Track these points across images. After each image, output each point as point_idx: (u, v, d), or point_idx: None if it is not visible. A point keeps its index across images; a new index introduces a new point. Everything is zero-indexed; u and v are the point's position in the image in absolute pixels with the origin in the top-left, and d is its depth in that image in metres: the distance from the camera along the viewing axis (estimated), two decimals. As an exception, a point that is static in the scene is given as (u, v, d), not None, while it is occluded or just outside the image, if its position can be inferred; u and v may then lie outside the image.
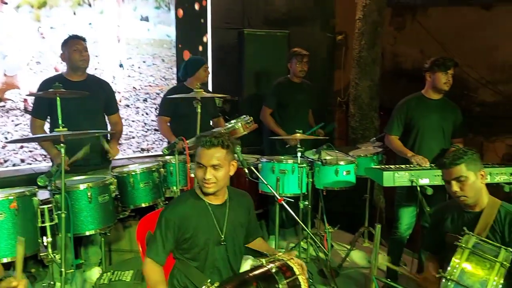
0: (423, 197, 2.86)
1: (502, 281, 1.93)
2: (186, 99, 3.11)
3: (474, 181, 2.21)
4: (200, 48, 4.81)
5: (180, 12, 4.65)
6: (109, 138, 3.38)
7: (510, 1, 5.30)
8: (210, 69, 4.78)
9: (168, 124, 3.86)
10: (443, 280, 1.94)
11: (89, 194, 2.69)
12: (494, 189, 2.32)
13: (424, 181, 2.87)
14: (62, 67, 3.63)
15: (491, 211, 2.20)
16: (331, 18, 5.63)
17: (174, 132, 3.70)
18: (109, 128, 3.47)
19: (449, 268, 1.97)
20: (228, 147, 2.08)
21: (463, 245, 2.04)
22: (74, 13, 4.04)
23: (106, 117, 3.45)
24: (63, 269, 2.51)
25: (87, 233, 2.77)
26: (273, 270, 1.96)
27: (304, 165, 3.53)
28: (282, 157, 3.72)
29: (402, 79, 6.32)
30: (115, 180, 2.94)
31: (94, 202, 2.72)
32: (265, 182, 3.15)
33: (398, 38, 6.74)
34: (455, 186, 2.23)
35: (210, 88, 4.80)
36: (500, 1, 5.36)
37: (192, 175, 3.11)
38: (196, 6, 4.75)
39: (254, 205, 3.89)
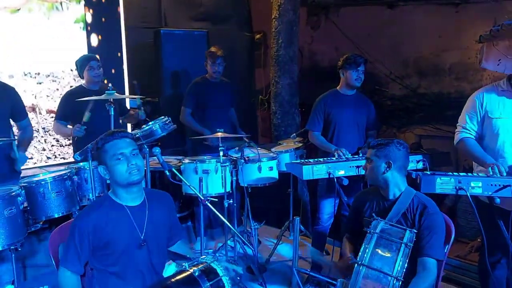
0: (340, 187, 2.99)
1: (407, 260, 2.08)
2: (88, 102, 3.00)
3: (377, 167, 2.35)
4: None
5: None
6: (17, 145, 3.14)
7: (411, 0, 5.70)
8: (125, 70, 4.63)
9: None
10: (355, 266, 2.05)
11: (-8, 208, 2.48)
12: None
13: (340, 173, 3.00)
14: None
15: (405, 200, 2.34)
16: (248, 17, 5.69)
17: (79, 138, 3.52)
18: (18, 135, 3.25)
19: (360, 254, 2.08)
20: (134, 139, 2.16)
21: (372, 230, 2.17)
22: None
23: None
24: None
25: (-6, 251, 2.56)
26: (196, 274, 1.97)
27: (227, 163, 3.54)
28: (205, 157, 3.70)
29: (320, 76, 6.55)
30: (23, 191, 2.73)
31: None
32: (188, 184, 3.12)
33: (314, 37, 6.97)
34: (364, 164, 2.47)
35: (126, 88, 4.63)
36: (402, 0, 5.75)
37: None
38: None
39: (179, 207, 3.87)
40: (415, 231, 2.17)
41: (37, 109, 4.07)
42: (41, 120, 4.11)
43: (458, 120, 2.84)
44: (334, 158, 3.19)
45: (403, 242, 2.09)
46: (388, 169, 2.34)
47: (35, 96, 4.05)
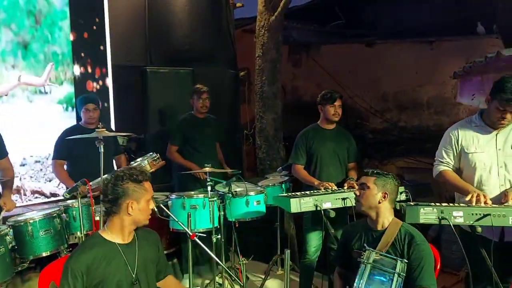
0: (327, 219, 3.04)
1: None
2: (82, 140, 3.02)
3: (374, 195, 2.41)
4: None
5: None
6: (0, 188, 3.12)
7: (388, 39, 5.99)
8: (111, 108, 4.67)
9: (65, 167, 3.71)
10: None
11: (-20, 247, 2.44)
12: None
13: (327, 205, 3.05)
14: None
15: (392, 230, 2.39)
16: (233, 55, 5.85)
17: (72, 175, 3.52)
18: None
19: (354, 284, 2.11)
20: None
21: (365, 261, 2.20)
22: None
23: None
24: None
25: (-20, 292, 2.51)
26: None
27: (215, 198, 3.56)
28: (193, 192, 3.72)
29: (303, 110, 6.73)
30: (11, 230, 2.70)
31: (-13, 256, 2.47)
32: (176, 219, 3.12)
33: (296, 74, 7.21)
34: (357, 191, 2.49)
35: (112, 125, 4.66)
36: (380, 39, 6.03)
37: (97, 218, 3.00)
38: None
39: (166, 244, 3.84)
40: (406, 261, 2.20)
41: (21, 191, 4.08)
42: (26, 201, 4.11)
43: (436, 155, 2.95)
44: (320, 191, 3.25)
45: (395, 272, 2.12)
46: (383, 199, 2.41)
47: (20, 178, 4.05)
